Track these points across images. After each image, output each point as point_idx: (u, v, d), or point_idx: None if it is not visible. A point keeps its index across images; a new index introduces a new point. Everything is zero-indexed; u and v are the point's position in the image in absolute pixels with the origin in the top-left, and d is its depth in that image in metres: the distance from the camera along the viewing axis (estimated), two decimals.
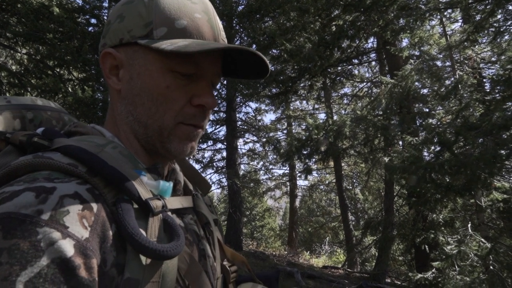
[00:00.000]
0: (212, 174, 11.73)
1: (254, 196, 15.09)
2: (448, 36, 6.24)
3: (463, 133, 4.36)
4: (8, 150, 0.56)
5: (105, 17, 7.09)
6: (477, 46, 6.17)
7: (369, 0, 6.25)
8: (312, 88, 11.18)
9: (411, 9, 5.71)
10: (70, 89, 6.45)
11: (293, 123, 14.66)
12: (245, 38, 9.58)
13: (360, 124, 6.37)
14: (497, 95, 4.67)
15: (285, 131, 14.70)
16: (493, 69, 6.32)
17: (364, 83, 11.54)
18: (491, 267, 4.57)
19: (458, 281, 4.65)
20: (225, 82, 10.81)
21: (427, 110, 6.84)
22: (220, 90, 11.44)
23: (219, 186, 12.44)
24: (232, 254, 0.74)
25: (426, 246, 5.62)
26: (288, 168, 14.28)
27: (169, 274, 0.48)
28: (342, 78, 11.31)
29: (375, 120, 6.27)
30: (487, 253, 4.57)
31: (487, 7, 4.94)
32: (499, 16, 5.09)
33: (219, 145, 11.68)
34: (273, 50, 8.48)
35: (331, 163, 12.29)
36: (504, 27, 5.14)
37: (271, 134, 13.15)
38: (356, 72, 11.82)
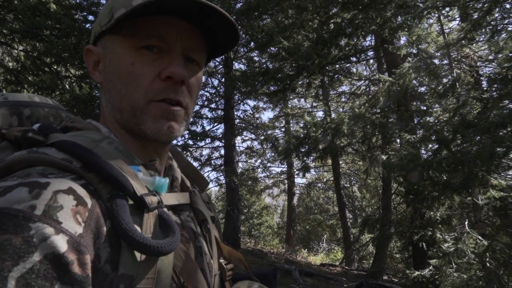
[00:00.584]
0: (210, 172, 11.74)
1: (252, 194, 15.11)
2: (445, 34, 6.25)
3: (460, 131, 4.37)
4: (4, 146, 0.55)
5: None
6: (474, 44, 6.19)
7: None
8: (310, 86, 11.16)
9: (409, 7, 5.71)
10: (67, 86, 6.43)
11: (291, 121, 14.67)
12: (243, 35, 9.56)
13: (358, 122, 6.37)
14: (494, 93, 4.69)
15: (283, 129, 14.71)
16: (491, 67, 6.33)
17: (362, 81, 11.55)
18: (488, 265, 4.59)
19: (455, 279, 4.67)
20: (223, 80, 10.81)
21: (424, 108, 6.86)
22: (218, 88, 11.43)
23: (217, 184, 12.44)
24: (229, 252, 0.73)
25: (424, 244, 5.65)
26: (286, 166, 14.30)
27: (164, 270, 0.48)
28: (340, 76, 11.31)
29: (373, 118, 6.28)
30: (484, 250, 4.59)
31: (485, 5, 4.95)
32: (496, 15, 5.10)
33: (217, 143, 11.67)
34: (271, 48, 8.47)
35: (329, 161, 12.30)
36: (502, 25, 5.15)
37: (269, 132, 13.14)
38: (354, 70, 11.83)
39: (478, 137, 4.42)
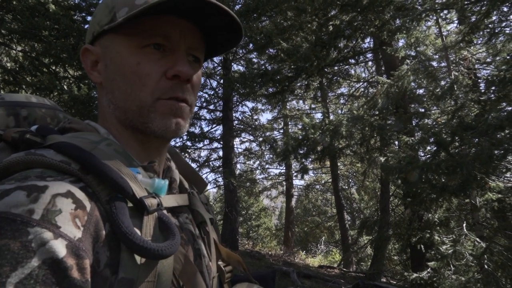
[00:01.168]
0: (208, 173, 11.71)
1: (250, 195, 15.10)
2: (444, 37, 6.27)
3: (459, 133, 4.38)
4: (0, 147, 0.55)
5: None
6: (472, 47, 6.21)
7: (366, 0, 6.27)
8: (308, 88, 11.19)
9: (407, 10, 5.73)
10: (65, 87, 6.41)
11: (289, 123, 14.67)
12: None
13: (356, 124, 6.38)
14: (492, 95, 4.70)
15: (281, 131, 14.71)
16: (488, 69, 6.36)
17: (361, 83, 11.57)
18: (486, 267, 4.60)
19: (453, 281, 4.67)
20: (221, 81, 10.81)
21: (423, 110, 6.87)
22: (217, 89, 11.43)
23: (215, 186, 12.42)
24: (228, 254, 0.73)
25: (422, 246, 5.65)
26: (284, 168, 14.30)
27: (164, 273, 0.48)
28: (338, 78, 11.33)
29: (371, 120, 6.29)
30: (482, 252, 4.60)
31: (482, 8, 4.97)
32: (494, 18, 5.12)
33: (215, 144, 11.66)
34: (270, 50, 8.48)
35: (327, 163, 12.31)
36: (499, 28, 5.18)
37: (267, 134, 13.15)
38: (352, 72, 11.85)
39: (476, 140, 4.43)
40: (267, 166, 13.66)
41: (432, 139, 4.90)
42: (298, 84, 10.35)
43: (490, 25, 5.26)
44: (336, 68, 10.44)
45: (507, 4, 4.72)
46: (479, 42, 6.44)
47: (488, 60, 6.31)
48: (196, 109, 11.42)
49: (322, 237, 15.41)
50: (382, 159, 6.27)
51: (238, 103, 11.90)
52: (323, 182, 15.71)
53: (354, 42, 8.24)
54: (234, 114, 11.58)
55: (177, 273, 0.52)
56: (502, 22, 5.20)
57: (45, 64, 6.68)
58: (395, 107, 6.76)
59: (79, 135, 0.55)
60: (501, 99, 4.48)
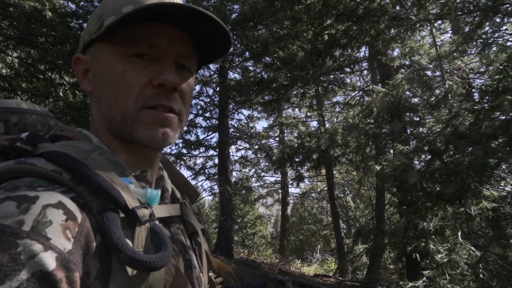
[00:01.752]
0: (203, 181, 11.67)
1: (246, 203, 15.04)
2: (438, 47, 6.35)
3: (453, 141, 4.41)
4: None
5: None
6: (466, 57, 6.30)
7: (361, 10, 6.34)
8: (304, 96, 11.26)
9: (402, 20, 5.80)
10: (61, 93, 6.39)
11: (285, 131, 14.70)
12: (238, 45, 9.63)
13: (352, 132, 6.40)
14: (486, 104, 4.75)
15: (277, 139, 14.73)
16: (482, 79, 6.44)
17: (356, 92, 11.65)
18: (481, 276, 4.60)
19: None
20: (217, 89, 10.84)
21: (417, 119, 6.92)
22: (213, 97, 11.45)
23: (210, 193, 12.37)
24: (218, 265, 0.73)
25: (417, 255, 5.64)
26: (280, 176, 14.29)
27: (156, 285, 0.47)
28: (334, 87, 11.41)
29: (366, 128, 6.32)
30: (477, 261, 4.60)
31: (476, 19, 5.05)
32: (487, 28, 5.20)
33: (211, 152, 11.65)
34: (266, 58, 8.53)
35: (323, 171, 12.32)
36: (492, 38, 5.25)
37: (263, 141, 13.16)
38: (348, 80, 11.93)
39: (471, 148, 4.46)
40: (262, 174, 13.65)
41: (427, 147, 4.93)
42: (294, 92, 10.41)
43: (483, 36, 5.34)
44: (331, 76, 10.52)
45: (500, 15, 4.79)
46: (473, 52, 6.52)
47: (482, 69, 6.39)
48: (192, 116, 11.45)
49: (318, 245, 15.35)
50: (378, 167, 6.29)
51: (234, 111, 11.92)
52: (318, 190, 15.69)
53: (349, 51, 8.32)
54: (230, 122, 11.59)
55: (168, 285, 0.51)
56: (495, 32, 5.28)
57: (41, 71, 6.67)
58: (390, 116, 6.80)
59: (71, 143, 0.54)
60: (495, 108, 4.53)
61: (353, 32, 6.87)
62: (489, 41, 5.19)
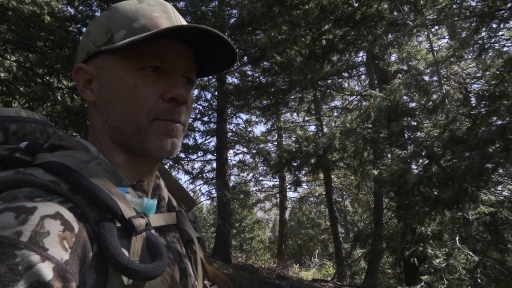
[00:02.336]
0: (201, 185, 11.66)
1: (244, 207, 15.02)
2: (435, 52, 6.39)
3: (450, 146, 4.42)
4: None
5: None
6: (463, 62, 6.33)
7: (359, 15, 6.39)
8: (302, 101, 11.29)
9: (399, 25, 5.84)
10: (59, 97, 6.39)
11: (283, 135, 14.71)
12: (237, 50, 9.64)
13: (349, 137, 6.42)
14: (483, 109, 4.77)
15: (275, 143, 14.73)
16: (479, 84, 6.47)
17: (354, 96, 11.69)
18: (479, 281, 4.59)
19: None
20: (216, 93, 10.85)
21: (415, 123, 6.94)
22: (211, 101, 11.46)
23: (208, 198, 12.36)
24: (214, 273, 0.73)
25: (415, 259, 5.64)
26: (278, 180, 14.27)
27: None
28: (332, 91, 11.46)
29: (364, 133, 6.33)
30: (475, 266, 4.60)
31: (472, 24, 5.09)
32: (483, 34, 5.24)
33: (209, 156, 11.64)
34: (264, 63, 8.57)
35: (321, 175, 12.32)
36: (489, 44, 5.29)
37: (261, 146, 13.16)
38: (346, 85, 11.98)
39: (468, 153, 4.48)
40: (260, 178, 13.64)
41: (424, 152, 4.94)
42: (292, 97, 10.45)
43: (479, 41, 5.37)
44: (329, 81, 10.57)
45: (496, 20, 4.83)
46: (469, 57, 6.56)
47: (478, 75, 6.43)
48: (190, 120, 11.40)
49: (316, 250, 15.31)
50: (375, 172, 6.30)
51: (232, 115, 11.93)
52: (317, 194, 15.68)
53: (347, 56, 8.36)
54: (228, 126, 11.60)
55: None
56: (491, 38, 5.32)
57: (39, 75, 6.67)
58: (388, 121, 6.82)
59: (69, 153, 0.55)
60: (491, 113, 4.55)
61: (351, 37, 6.91)
62: (486, 47, 5.23)
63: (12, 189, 0.45)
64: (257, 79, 10.39)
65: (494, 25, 5.09)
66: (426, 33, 6.36)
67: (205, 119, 11.65)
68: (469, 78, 6.62)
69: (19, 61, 6.85)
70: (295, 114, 14.61)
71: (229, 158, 11.58)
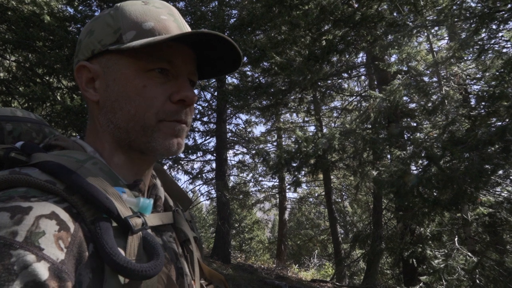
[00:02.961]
0: (201, 186, 11.65)
1: (243, 208, 15.01)
2: (434, 53, 6.39)
3: (449, 147, 4.43)
4: None
5: None
6: (462, 63, 6.33)
7: (358, 16, 6.39)
8: (302, 101, 11.29)
9: (399, 26, 5.84)
10: (58, 97, 6.38)
11: (283, 135, 14.70)
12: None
13: (349, 138, 6.42)
14: (482, 110, 4.78)
15: (275, 143, 14.73)
16: (478, 85, 6.47)
17: (354, 97, 11.69)
18: (477, 281, 4.60)
19: None
20: (215, 93, 10.85)
21: (415, 124, 6.95)
22: (211, 102, 11.46)
23: (208, 198, 12.35)
24: (210, 273, 0.73)
25: (414, 260, 5.64)
26: (277, 180, 14.27)
27: None
28: (331, 92, 11.45)
29: (364, 134, 6.34)
30: (474, 267, 4.60)
31: (472, 25, 5.09)
32: (483, 35, 5.24)
33: (208, 156, 11.63)
34: (264, 63, 8.56)
35: (320, 176, 12.32)
36: (488, 45, 5.29)
37: (261, 146, 13.16)
38: (345, 86, 11.98)
39: (467, 154, 4.48)
40: (260, 178, 13.64)
41: (424, 153, 4.95)
42: (292, 97, 10.45)
43: (479, 42, 5.38)
44: (329, 82, 10.57)
45: (496, 21, 4.84)
46: (469, 58, 6.57)
47: (478, 76, 6.43)
48: None
49: (315, 250, 15.31)
50: (375, 172, 6.30)
51: (231, 116, 11.93)
52: (316, 195, 15.68)
53: (347, 57, 8.37)
54: (227, 127, 11.60)
55: None
56: (491, 39, 5.32)
57: (39, 75, 6.66)
58: (387, 121, 6.82)
59: (65, 153, 0.55)
60: (491, 114, 4.55)
61: (351, 38, 6.91)
62: (485, 48, 5.23)
63: (7, 189, 0.45)
64: (257, 80, 10.40)
65: (494, 26, 5.09)
66: (426, 34, 6.36)
67: (205, 119, 11.65)
68: (469, 79, 6.63)
69: (19, 61, 6.85)
70: (294, 114, 14.62)
71: (228, 158, 11.58)
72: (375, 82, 9.28)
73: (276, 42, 7.74)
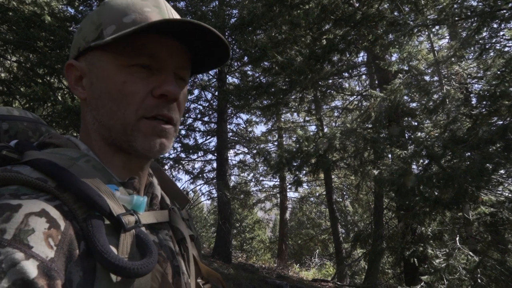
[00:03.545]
0: (202, 185, 11.66)
1: (244, 207, 15.02)
2: (435, 52, 6.38)
3: (450, 146, 4.42)
4: None
5: None
6: (463, 62, 6.32)
7: (359, 15, 6.38)
8: (303, 101, 11.28)
9: (400, 25, 5.83)
10: (59, 97, 6.39)
11: (284, 135, 14.70)
12: (237, 50, 9.66)
13: (350, 137, 6.41)
14: (483, 109, 4.77)
15: (276, 143, 14.73)
16: (479, 84, 6.46)
17: (354, 96, 11.68)
18: (479, 281, 4.59)
19: None
20: (216, 93, 10.86)
21: (416, 123, 6.94)
22: (212, 101, 11.47)
23: (209, 197, 12.36)
24: (207, 271, 0.73)
25: (415, 260, 5.63)
26: (278, 180, 14.27)
27: None
28: (332, 91, 11.44)
29: (364, 133, 6.33)
30: (475, 266, 4.59)
31: (473, 24, 5.08)
32: (484, 34, 5.23)
33: (209, 156, 11.63)
34: (265, 63, 8.56)
35: (321, 175, 12.31)
36: (490, 44, 5.28)
37: (261, 146, 13.16)
38: (346, 85, 11.97)
39: (468, 153, 4.47)
40: (261, 178, 13.64)
41: (425, 152, 4.94)
42: (293, 97, 10.44)
43: (480, 41, 5.36)
44: (330, 81, 10.55)
45: (497, 20, 4.83)
46: (470, 57, 6.55)
47: (479, 75, 6.42)
48: (190, 120, 11.46)
49: (316, 250, 15.30)
50: (376, 172, 6.29)
51: (232, 115, 11.93)
52: (317, 194, 15.68)
53: (347, 56, 8.35)
54: (228, 126, 11.60)
55: None
56: (492, 38, 5.31)
57: (40, 75, 6.67)
58: (388, 121, 6.82)
59: (58, 151, 0.54)
60: (492, 113, 4.54)
61: (351, 37, 6.90)
62: (487, 47, 5.22)
63: None
64: (258, 79, 10.40)
65: (495, 25, 5.08)
66: (427, 33, 6.35)
67: (206, 119, 11.66)
68: (470, 78, 6.61)
69: (20, 62, 6.86)
70: (295, 114, 14.62)
71: (229, 158, 11.58)
72: (376, 82, 9.27)
73: (276, 41, 7.74)
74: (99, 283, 0.43)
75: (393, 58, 7.67)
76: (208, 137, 11.63)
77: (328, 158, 6.86)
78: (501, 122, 4.40)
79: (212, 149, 11.13)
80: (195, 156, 11.01)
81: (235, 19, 9.58)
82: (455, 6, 5.16)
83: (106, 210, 0.47)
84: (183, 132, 11.01)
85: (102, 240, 0.44)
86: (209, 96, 11.50)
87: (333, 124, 12.96)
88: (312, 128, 14.73)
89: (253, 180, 13.66)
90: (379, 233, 6.91)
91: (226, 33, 9.20)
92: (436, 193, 4.78)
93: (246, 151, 12.94)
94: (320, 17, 6.90)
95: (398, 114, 6.87)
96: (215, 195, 11.02)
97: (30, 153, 0.52)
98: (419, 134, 6.34)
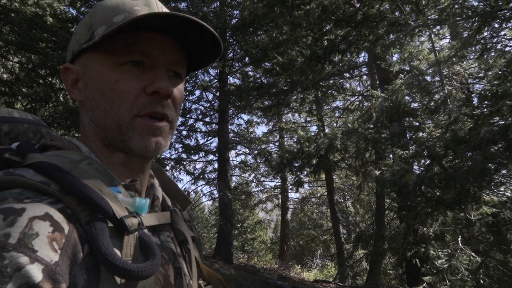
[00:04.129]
0: (203, 186, 11.66)
1: (246, 208, 15.00)
2: (437, 52, 6.37)
3: (452, 147, 4.41)
4: None
5: None
6: (465, 62, 6.31)
7: (360, 16, 6.38)
8: (304, 101, 11.28)
9: (401, 25, 5.83)
10: (61, 98, 6.41)
11: (285, 136, 14.70)
12: (238, 50, 9.67)
13: (351, 137, 6.40)
14: (485, 109, 4.76)
15: (277, 143, 14.73)
16: (481, 84, 6.45)
17: (356, 97, 11.67)
18: (481, 282, 4.57)
19: None
20: (217, 94, 10.87)
21: (417, 124, 6.93)
22: (213, 102, 11.48)
23: (210, 198, 12.35)
24: (209, 273, 0.73)
25: (417, 260, 5.62)
26: (279, 181, 14.26)
27: None
28: (333, 92, 11.44)
29: (366, 133, 6.32)
30: (478, 267, 4.58)
31: (474, 24, 5.07)
32: (485, 34, 5.22)
33: (210, 157, 11.64)
34: (266, 63, 8.57)
35: (323, 176, 12.30)
36: (491, 44, 5.27)
37: (263, 146, 13.16)
38: (347, 85, 11.96)
39: (470, 153, 4.46)
40: (262, 179, 13.64)
41: (426, 152, 4.93)
42: (294, 98, 10.43)
43: (482, 41, 5.36)
44: (331, 81, 10.56)
45: (498, 20, 4.82)
46: (472, 57, 6.54)
47: (481, 75, 6.41)
48: (191, 121, 11.47)
49: (318, 250, 15.28)
50: (377, 172, 6.28)
51: (233, 116, 11.94)
52: (318, 195, 15.66)
53: (348, 57, 8.35)
54: (229, 127, 11.61)
55: None
56: (494, 38, 5.30)
57: (41, 76, 6.69)
58: (389, 121, 6.81)
59: (60, 153, 0.54)
60: (494, 113, 4.54)
61: (352, 38, 6.90)
62: (488, 46, 5.21)
63: (1, 191, 0.45)
64: (259, 80, 10.40)
65: (496, 25, 5.07)
66: (428, 33, 6.34)
67: (207, 119, 11.67)
68: (471, 78, 6.60)
69: (22, 62, 6.88)
70: (296, 114, 14.61)
71: (230, 158, 11.59)
72: (377, 82, 9.26)
73: (277, 42, 7.74)
74: (103, 285, 0.43)
75: (394, 58, 7.66)
76: (209, 138, 11.65)
77: (329, 159, 6.85)
78: (503, 122, 4.39)
79: (214, 150, 11.14)
80: (196, 157, 11.02)
81: (236, 19, 9.60)
82: (456, 6, 5.15)
83: (109, 213, 0.47)
84: (184, 132, 11.03)
85: (106, 242, 0.44)
86: (210, 96, 11.51)
87: (334, 124, 12.95)
88: (313, 128, 14.73)
89: (254, 181, 13.66)
90: (381, 233, 6.89)
91: (228, 34, 9.22)
92: (438, 194, 4.77)
93: (247, 152, 12.94)
94: (321, 18, 6.90)
95: (400, 114, 6.86)
96: (216, 195, 11.02)
97: (33, 156, 0.52)
98: (420, 134, 6.33)
